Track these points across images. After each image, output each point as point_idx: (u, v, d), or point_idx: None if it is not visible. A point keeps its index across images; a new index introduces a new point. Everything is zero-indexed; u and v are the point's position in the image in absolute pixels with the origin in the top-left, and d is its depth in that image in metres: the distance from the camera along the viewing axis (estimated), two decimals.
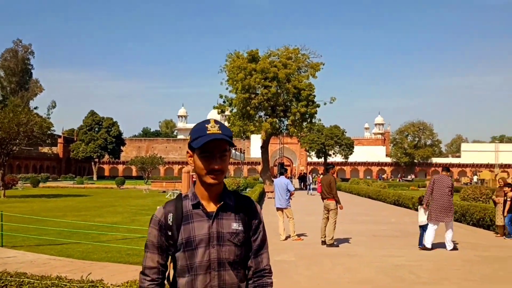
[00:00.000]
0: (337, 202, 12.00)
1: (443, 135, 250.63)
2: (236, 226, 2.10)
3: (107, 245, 11.37)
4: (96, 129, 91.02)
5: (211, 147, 2.03)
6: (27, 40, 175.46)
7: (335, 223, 11.90)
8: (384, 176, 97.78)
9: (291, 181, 13.91)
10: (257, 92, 45.10)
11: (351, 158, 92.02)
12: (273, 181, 27.22)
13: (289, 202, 13.07)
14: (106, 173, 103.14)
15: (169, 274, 2.17)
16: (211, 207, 2.11)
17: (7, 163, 36.50)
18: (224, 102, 47.92)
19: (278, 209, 13.14)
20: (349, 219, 17.29)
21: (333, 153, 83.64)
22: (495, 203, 14.25)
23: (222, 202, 2.12)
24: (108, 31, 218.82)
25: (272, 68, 43.63)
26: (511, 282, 8.27)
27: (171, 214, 2.10)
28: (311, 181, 41.42)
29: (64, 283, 5.60)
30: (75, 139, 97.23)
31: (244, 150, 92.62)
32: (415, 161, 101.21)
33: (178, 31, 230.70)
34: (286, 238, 12.78)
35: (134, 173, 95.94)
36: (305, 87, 44.77)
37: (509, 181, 16.12)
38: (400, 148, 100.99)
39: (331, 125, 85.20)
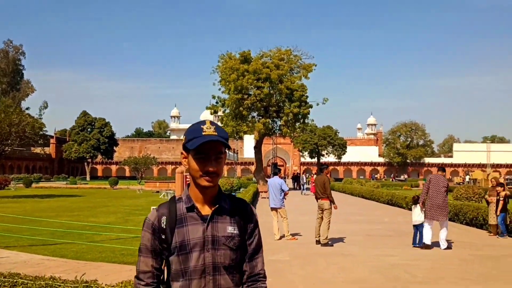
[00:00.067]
0: (332, 202, 12.03)
1: (435, 135, 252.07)
2: (231, 229, 2.05)
3: (101, 245, 11.33)
4: (89, 129, 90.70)
5: (206, 149, 1.98)
6: (18, 40, 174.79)
7: (329, 223, 11.93)
8: (377, 176, 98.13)
9: (285, 181, 13.92)
10: (250, 92, 45.16)
11: (344, 158, 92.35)
12: (266, 181, 27.24)
13: (283, 202, 13.08)
14: (99, 174, 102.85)
15: (163, 278, 2.12)
16: (206, 210, 2.06)
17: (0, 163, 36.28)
18: (216, 102, 47.95)
19: (272, 209, 13.15)
20: (343, 218, 17.32)
21: (326, 153, 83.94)
22: (488, 203, 14.32)
23: (217, 205, 2.06)
24: (100, 32, 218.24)
25: (264, 69, 43.70)
26: (505, 281, 8.31)
27: (165, 217, 2.05)
28: (304, 181, 41.47)
29: (58, 284, 5.57)
30: (67, 140, 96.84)
31: (237, 151, 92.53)
32: (408, 161, 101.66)
33: (171, 32, 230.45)
34: (281, 238, 12.78)
35: (127, 174, 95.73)
36: (297, 87, 44.87)
37: (501, 180, 16.22)
38: (393, 148, 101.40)
39: (324, 126, 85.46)
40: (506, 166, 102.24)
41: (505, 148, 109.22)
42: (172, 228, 2.02)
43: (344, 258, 10.25)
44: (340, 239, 12.73)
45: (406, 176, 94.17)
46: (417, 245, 11.62)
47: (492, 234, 13.90)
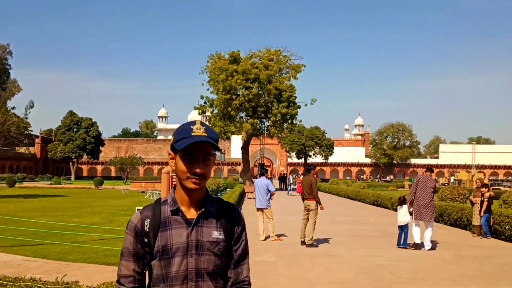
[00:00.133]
0: (318, 202, 12.01)
1: (422, 136, 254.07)
2: (217, 234, 1.98)
3: (83, 246, 11.21)
4: (75, 129, 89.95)
5: (194, 150, 1.91)
6: (5, 40, 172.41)
7: (315, 224, 11.91)
8: (363, 176, 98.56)
9: (271, 182, 13.90)
10: (238, 93, 45.14)
11: (331, 159, 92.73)
12: (253, 181, 27.20)
13: (269, 203, 13.05)
14: (85, 174, 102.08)
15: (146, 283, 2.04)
16: (191, 214, 1.98)
17: None
18: (205, 103, 47.84)
19: (258, 209, 13.11)
20: (329, 219, 17.33)
21: (313, 154, 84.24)
22: (472, 203, 14.41)
23: (203, 209, 1.99)
24: (88, 31, 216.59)
25: (253, 69, 43.70)
26: (488, 282, 8.35)
27: (148, 220, 1.97)
28: (291, 182, 41.51)
29: (38, 285, 5.48)
30: (53, 139, 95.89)
31: (224, 151, 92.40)
32: (394, 162, 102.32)
33: (159, 31, 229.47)
34: (266, 239, 12.75)
35: (113, 174, 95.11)
36: (286, 88, 44.95)
37: (486, 181, 16.33)
38: (380, 149, 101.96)
39: (312, 126, 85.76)
40: (491, 167, 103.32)
41: (490, 149, 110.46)
42: (156, 231, 1.95)
43: (330, 259, 10.24)
44: (326, 240, 12.73)
45: (392, 177, 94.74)
46: (402, 246, 11.65)
47: (475, 235, 13.99)
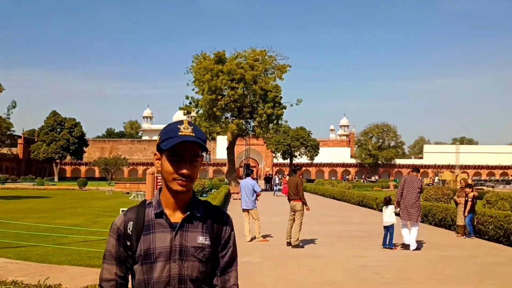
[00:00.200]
0: (304, 203, 11.99)
1: (406, 136, 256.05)
2: (202, 240, 1.90)
3: (67, 248, 11.07)
4: (58, 129, 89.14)
5: (181, 150, 1.84)
6: None
7: (301, 224, 11.90)
8: (349, 177, 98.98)
9: (257, 182, 13.87)
10: (224, 93, 45.08)
11: (317, 159, 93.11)
12: (239, 182, 27.15)
13: (255, 203, 13.02)
14: (68, 175, 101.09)
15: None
16: (176, 217, 1.90)
17: None
18: (190, 103, 47.69)
19: (244, 210, 13.07)
20: (315, 220, 17.34)
21: (299, 154, 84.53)
22: (457, 204, 14.52)
23: (188, 213, 1.91)
24: (71, 31, 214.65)
25: (239, 69, 43.67)
26: (472, 281, 8.40)
27: (131, 223, 1.90)
28: (277, 182, 41.51)
29: None
30: (36, 140, 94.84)
31: (210, 151, 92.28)
32: (379, 162, 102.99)
33: (143, 31, 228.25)
34: (252, 240, 12.72)
35: (97, 174, 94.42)
36: (271, 88, 44.98)
37: (470, 182, 16.48)
38: (365, 150, 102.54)
39: (297, 127, 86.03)
40: (474, 167, 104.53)
41: (473, 149, 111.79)
42: (139, 234, 1.88)
43: (315, 260, 10.23)
44: (312, 241, 12.73)
45: (377, 177, 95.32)
46: (387, 246, 11.69)
47: (459, 234, 14.10)
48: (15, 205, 25.80)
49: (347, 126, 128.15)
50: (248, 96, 46.18)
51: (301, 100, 47.63)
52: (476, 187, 21.89)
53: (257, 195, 13.11)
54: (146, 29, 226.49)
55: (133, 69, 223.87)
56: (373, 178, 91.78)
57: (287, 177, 34.77)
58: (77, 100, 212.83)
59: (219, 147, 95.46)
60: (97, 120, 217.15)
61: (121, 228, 1.91)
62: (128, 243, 1.89)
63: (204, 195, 31.85)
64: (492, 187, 51.76)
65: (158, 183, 11.20)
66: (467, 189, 14.05)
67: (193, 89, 46.48)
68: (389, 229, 11.74)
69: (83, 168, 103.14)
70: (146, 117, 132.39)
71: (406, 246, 11.62)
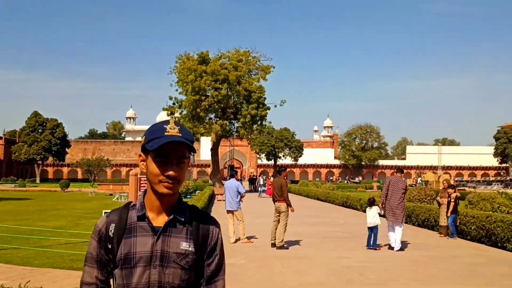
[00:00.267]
0: (288, 205, 11.99)
1: (390, 138, 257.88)
2: (185, 246, 1.81)
3: (49, 250, 10.91)
4: (40, 130, 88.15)
5: (168, 151, 1.77)
6: None
7: (285, 226, 11.90)
8: (333, 178, 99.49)
9: (241, 183, 13.84)
10: (208, 94, 45.00)
11: (301, 160, 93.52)
12: (223, 183, 27.08)
13: (239, 205, 12.99)
14: (50, 176, 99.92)
15: None
16: (160, 221, 1.82)
17: None
18: (174, 104, 47.49)
19: (228, 211, 13.03)
20: (299, 221, 17.36)
21: (283, 155, 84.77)
22: (439, 204, 14.64)
23: (172, 216, 1.83)
24: (53, 30, 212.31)
25: (222, 70, 43.60)
26: (455, 282, 8.47)
27: (113, 225, 1.83)
28: (261, 183, 41.53)
29: None
30: (17, 141, 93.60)
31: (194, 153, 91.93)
32: (363, 163, 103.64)
33: (126, 31, 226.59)
34: (236, 241, 12.68)
35: (79, 176, 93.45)
36: (255, 89, 45.01)
37: (452, 182, 16.63)
38: (348, 151, 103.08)
39: (281, 128, 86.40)
40: (456, 168, 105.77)
41: (455, 150, 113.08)
42: (120, 237, 1.81)
43: (300, 261, 10.23)
44: (296, 242, 12.73)
45: (360, 178, 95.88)
46: (371, 247, 11.74)
47: (442, 235, 14.23)
48: None
49: (331, 127, 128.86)
50: (232, 97, 46.16)
51: (285, 101, 47.93)
52: (458, 188, 22.17)
53: (242, 196, 13.09)
54: (129, 29, 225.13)
55: (116, 69, 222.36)
56: (356, 179, 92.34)
57: (272, 178, 34.83)
58: (59, 101, 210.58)
59: (203, 148, 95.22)
60: (80, 121, 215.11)
61: (102, 230, 1.85)
62: (109, 246, 1.82)
63: (188, 196, 31.72)
64: (474, 187, 52.37)
65: (142, 185, 11.10)
66: (450, 190, 14.19)
67: (176, 90, 46.38)
68: (373, 230, 11.79)
69: (65, 170, 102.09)
70: (129, 118, 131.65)
71: (392, 248, 11.70)
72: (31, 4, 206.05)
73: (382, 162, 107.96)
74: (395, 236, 11.70)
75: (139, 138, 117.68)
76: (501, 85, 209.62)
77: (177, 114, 48.85)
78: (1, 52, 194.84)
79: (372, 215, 11.86)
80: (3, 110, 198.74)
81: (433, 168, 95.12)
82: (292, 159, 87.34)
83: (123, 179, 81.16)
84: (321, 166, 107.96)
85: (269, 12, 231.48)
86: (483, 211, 14.09)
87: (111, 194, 38.49)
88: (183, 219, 1.85)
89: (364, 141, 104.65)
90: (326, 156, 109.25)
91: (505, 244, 11.86)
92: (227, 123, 46.55)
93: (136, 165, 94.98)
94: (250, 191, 45.34)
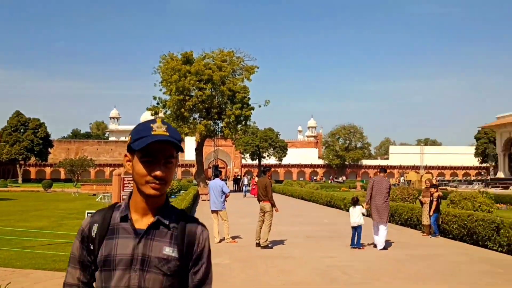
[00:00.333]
0: (273, 205, 12.01)
1: (373, 138, 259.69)
2: (168, 251, 1.73)
3: (31, 252, 10.77)
4: (22, 130, 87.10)
5: (155, 151, 1.70)
6: None
7: (270, 225, 11.92)
8: (317, 177, 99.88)
9: (226, 183, 13.83)
10: (192, 94, 44.91)
11: (285, 160, 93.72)
12: (207, 183, 27.02)
13: (224, 205, 12.98)
14: (33, 176, 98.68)
15: None
16: (144, 224, 1.75)
17: None
18: (158, 103, 47.32)
19: (213, 211, 13.02)
20: (284, 220, 17.39)
21: (267, 155, 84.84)
22: (422, 203, 14.78)
23: (156, 218, 1.76)
24: (35, 29, 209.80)
25: (206, 70, 43.55)
26: (437, 280, 8.57)
27: (96, 225, 1.78)
28: (246, 183, 41.50)
29: None
30: None
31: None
32: (346, 163, 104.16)
33: (109, 30, 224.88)
34: (221, 241, 12.67)
35: (62, 176, 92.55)
36: (239, 89, 45.02)
37: (434, 182, 16.80)
38: (332, 151, 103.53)
39: (266, 128, 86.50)
40: (438, 168, 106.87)
41: (437, 150, 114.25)
42: (102, 238, 1.75)
43: (284, 261, 10.26)
44: (281, 241, 12.76)
45: (344, 178, 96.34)
46: (355, 246, 11.81)
47: (425, 234, 14.37)
48: None
49: (315, 127, 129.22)
50: (216, 97, 46.14)
51: (269, 101, 47.99)
52: (440, 187, 22.40)
53: (226, 196, 13.08)
54: (113, 28, 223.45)
55: (100, 69, 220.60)
56: (340, 179, 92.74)
57: (256, 178, 34.85)
58: (41, 100, 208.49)
59: (188, 148, 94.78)
60: (63, 120, 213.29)
61: (85, 230, 1.80)
62: (91, 247, 1.77)
63: (172, 196, 31.59)
64: (455, 187, 52.90)
65: (125, 185, 11.03)
66: (432, 189, 14.33)
67: (160, 90, 46.24)
68: (357, 229, 11.86)
69: (48, 170, 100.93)
70: (113, 118, 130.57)
71: (376, 246, 11.81)
72: (10, 3, 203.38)
73: (365, 162, 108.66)
74: (380, 235, 11.79)
75: (123, 138, 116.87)
76: (482, 86, 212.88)
77: (161, 114, 48.63)
78: None
79: (356, 215, 11.93)
80: None
81: (415, 168, 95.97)
82: (277, 159, 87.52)
83: (107, 179, 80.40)
84: (305, 166, 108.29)
85: (253, 12, 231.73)
86: (465, 210, 14.25)
87: (94, 194, 38.20)
88: (167, 222, 1.78)
89: (348, 141, 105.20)
90: (310, 156, 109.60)
91: (486, 243, 12.03)
92: (212, 123, 46.50)
93: (120, 165, 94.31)
94: (234, 191, 45.30)
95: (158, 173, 1.71)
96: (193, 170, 71.17)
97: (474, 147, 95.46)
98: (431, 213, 13.97)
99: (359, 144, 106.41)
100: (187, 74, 43.24)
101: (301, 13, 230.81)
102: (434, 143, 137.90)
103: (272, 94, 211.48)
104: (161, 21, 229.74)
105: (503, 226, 11.41)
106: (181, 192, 34.42)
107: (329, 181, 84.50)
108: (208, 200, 13.70)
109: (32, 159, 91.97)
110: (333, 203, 26.11)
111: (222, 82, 44.51)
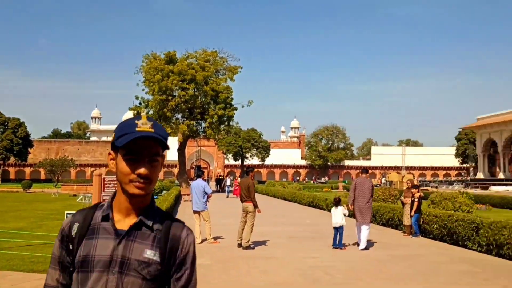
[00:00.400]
0: (255, 206, 11.98)
1: (355, 138, 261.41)
2: (150, 254, 1.64)
3: (9, 253, 10.56)
4: (1, 129, 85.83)
5: (139, 148, 1.63)
6: None
7: (252, 226, 11.90)
8: (299, 178, 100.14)
9: (208, 184, 13.76)
10: (174, 94, 44.71)
11: (268, 161, 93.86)
12: (190, 183, 26.88)
13: (206, 205, 12.91)
14: (12, 176, 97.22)
15: None
16: (126, 224, 1.67)
17: None
18: (140, 103, 46.96)
19: (195, 212, 12.94)
20: (266, 221, 17.36)
21: (250, 156, 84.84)
22: (403, 204, 14.89)
23: (139, 219, 1.67)
24: (14, 26, 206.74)
25: (189, 70, 43.40)
26: (420, 280, 8.62)
27: (77, 224, 1.70)
28: (228, 184, 41.40)
29: None
30: None
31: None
32: (329, 163, 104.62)
33: (92, 28, 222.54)
34: (202, 242, 12.61)
35: (42, 176, 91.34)
36: (223, 89, 44.95)
37: (415, 182, 16.94)
38: (315, 151, 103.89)
39: (249, 128, 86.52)
40: (419, 168, 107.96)
41: (418, 151, 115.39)
42: (81, 238, 1.67)
43: (266, 261, 10.23)
44: (263, 242, 12.73)
45: (326, 178, 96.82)
46: (337, 246, 11.83)
47: (406, 234, 14.47)
48: None
49: (298, 128, 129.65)
50: (199, 97, 45.99)
51: (252, 102, 47.95)
52: (421, 188, 22.59)
53: (208, 197, 13.02)
54: (94, 26, 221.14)
55: (81, 68, 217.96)
56: (323, 179, 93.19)
57: (239, 178, 34.78)
58: (21, 99, 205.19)
59: (170, 148, 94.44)
60: (43, 120, 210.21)
61: (65, 229, 1.72)
62: (70, 247, 1.69)
63: (154, 197, 31.32)
64: (436, 187, 53.49)
65: (106, 185, 10.90)
66: (413, 190, 14.43)
67: (143, 90, 45.89)
68: (338, 229, 11.89)
69: (27, 170, 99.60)
70: (95, 118, 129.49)
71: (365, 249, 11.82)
72: None
73: (348, 162, 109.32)
74: (361, 235, 11.83)
75: (104, 138, 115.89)
76: (462, 88, 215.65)
77: (143, 114, 48.34)
78: None
79: (338, 215, 11.95)
80: None
81: (397, 169, 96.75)
82: (259, 160, 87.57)
83: (88, 179, 79.69)
84: (288, 166, 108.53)
85: (237, 13, 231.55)
86: (445, 211, 14.39)
87: (75, 195, 37.76)
88: (150, 224, 1.69)
89: (330, 142, 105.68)
90: (293, 156, 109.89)
91: (466, 243, 12.15)
92: (194, 123, 46.33)
93: (101, 165, 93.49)
94: (217, 191, 45.19)
95: (142, 170, 1.63)
96: (176, 170, 70.86)
97: (455, 148, 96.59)
98: (412, 213, 14.06)
99: (341, 145, 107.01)
100: (170, 74, 43.03)
101: (285, 14, 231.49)
102: (415, 144, 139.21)
103: (256, 94, 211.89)
104: (144, 20, 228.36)
105: (483, 226, 11.54)
106: (163, 192, 34.19)
107: (312, 182, 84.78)
108: (190, 201, 13.62)
109: (12, 159, 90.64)
110: (315, 204, 26.17)
111: (205, 82, 44.38)
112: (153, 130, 1.66)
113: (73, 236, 1.69)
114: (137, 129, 1.64)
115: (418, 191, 14.42)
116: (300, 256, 10.84)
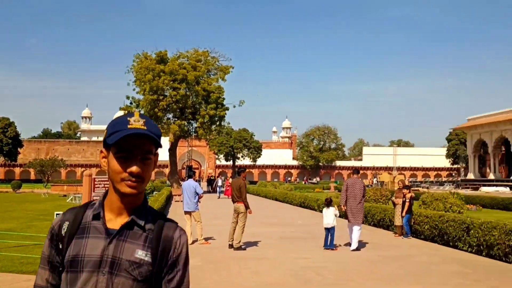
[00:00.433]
0: (246, 207, 11.94)
1: (346, 139, 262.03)
2: (141, 254, 1.60)
3: None
4: None
5: (131, 146, 1.60)
6: None
7: (243, 227, 11.87)
8: (291, 178, 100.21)
9: (199, 184, 13.72)
10: (166, 94, 44.61)
11: (259, 161, 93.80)
12: (181, 184, 26.82)
13: (197, 206, 12.88)
14: (1, 177, 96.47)
15: None
16: (117, 224, 1.64)
17: None
18: (131, 103, 46.82)
19: (186, 212, 12.90)
20: (257, 221, 17.34)
21: (242, 156, 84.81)
22: (394, 204, 14.91)
23: (131, 218, 1.64)
24: (4, 25, 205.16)
25: (181, 70, 43.32)
26: (411, 280, 8.64)
27: (67, 223, 1.65)
28: (220, 184, 41.32)
29: None
30: None
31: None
32: (320, 164, 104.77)
33: (82, 27, 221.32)
34: (193, 242, 12.56)
35: (32, 176, 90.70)
36: (214, 89, 44.89)
37: (407, 183, 16.98)
38: (306, 152, 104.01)
39: (240, 128, 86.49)
40: (410, 169, 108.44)
41: (410, 152, 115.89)
42: (71, 237, 1.63)
43: (258, 262, 10.21)
44: (254, 243, 12.71)
45: (318, 179, 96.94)
46: (328, 247, 11.83)
47: (397, 235, 14.50)
48: None
49: (289, 128, 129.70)
50: (191, 97, 45.91)
51: (244, 102, 47.95)
52: (412, 188, 22.68)
53: (200, 197, 12.98)
54: (85, 26, 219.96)
55: (71, 67, 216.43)
56: (314, 180, 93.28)
57: (230, 179, 34.75)
58: (11, 99, 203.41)
59: (161, 149, 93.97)
60: (33, 120, 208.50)
61: (55, 228, 1.67)
62: (60, 246, 1.64)
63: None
64: (427, 188, 53.78)
65: (96, 185, 10.82)
66: (405, 190, 14.48)
67: (134, 89, 45.78)
68: (330, 230, 11.88)
69: (17, 170, 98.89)
70: (85, 117, 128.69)
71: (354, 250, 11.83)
72: None
73: (339, 163, 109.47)
74: (353, 236, 11.84)
75: (95, 138, 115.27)
76: (454, 89, 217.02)
77: (136, 111, 48.26)
78: None
79: (329, 216, 11.95)
80: None
81: (388, 169, 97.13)
82: (251, 160, 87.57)
83: (78, 179, 79.31)
84: (280, 166, 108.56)
85: (228, 13, 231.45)
86: (436, 211, 14.44)
87: (65, 195, 37.57)
88: (142, 223, 1.65)
89: (322, 142, 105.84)
90: (284, 157, 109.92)
91: (456, 243, 12.19)
92: (186, 123, 46.25)
93: (92, 166, 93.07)
94: (208, 192, 45.11)
95: (134, 169, 1.60)
96: (167, 170, 70.61)
97: (446, 148, 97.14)
98: (403, 214, 14.10)
99: (333, 145, 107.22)
100: (161, 74, 42.93)
101: (276, 14, 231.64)
102: (407, 144, 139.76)
103: (247, 94, 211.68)
104: (135, 19, 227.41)
105: (473, 227, 11.58)
106: (154, 193, 34.08)
107: (303, 182, 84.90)
108: (181, 201, 13.57)
109: (1, 159, 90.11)
110: (307, 204, 26.18)
111: (196, 82, 44.31)
112: (145, 128, 1.62)
113: (63, 235, 1.65)
114: (129, 126, 1.60)
115: (409, 192, 14.47)
116: (291, 257, 10.82)
